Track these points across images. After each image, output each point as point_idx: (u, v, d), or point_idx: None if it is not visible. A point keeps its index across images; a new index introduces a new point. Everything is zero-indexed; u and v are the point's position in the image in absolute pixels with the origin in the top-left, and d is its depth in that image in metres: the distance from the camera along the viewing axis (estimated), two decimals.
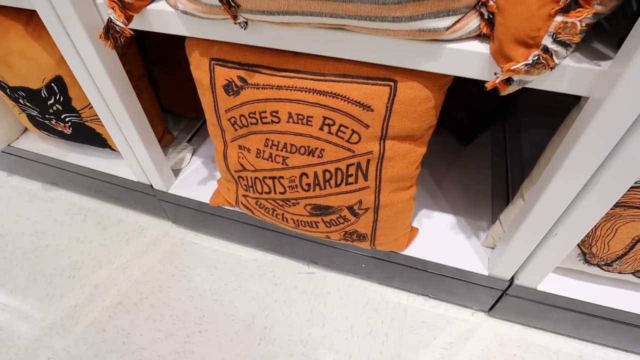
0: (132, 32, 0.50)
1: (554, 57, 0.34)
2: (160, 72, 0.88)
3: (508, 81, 0.37)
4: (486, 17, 0.38)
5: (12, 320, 0.79)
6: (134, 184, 0.85)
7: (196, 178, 0.84)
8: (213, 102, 0.57)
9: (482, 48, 0.40)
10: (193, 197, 0.80)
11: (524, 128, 0.91)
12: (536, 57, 0.34)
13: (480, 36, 0.40)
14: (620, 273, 0.59)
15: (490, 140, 0.90)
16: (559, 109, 0.96)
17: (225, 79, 0.54)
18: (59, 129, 0.82)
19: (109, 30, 0.49)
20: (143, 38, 0.83)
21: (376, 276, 0.80)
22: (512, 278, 0.64)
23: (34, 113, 0.81)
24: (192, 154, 0.88)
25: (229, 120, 0.57)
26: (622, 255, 0.55)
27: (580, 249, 0.57)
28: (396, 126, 0.49)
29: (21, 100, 0.78)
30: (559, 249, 0.54)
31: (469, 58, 0.40)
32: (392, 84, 0.47)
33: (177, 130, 0.94)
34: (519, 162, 0.83)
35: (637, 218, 0.50)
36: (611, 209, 0.49)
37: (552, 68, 0.35)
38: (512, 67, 0.34)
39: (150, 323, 0.78)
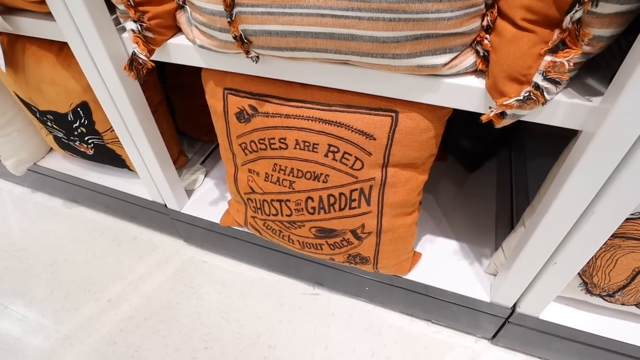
0: (153, 64, 0.54)
1: (545, 93, 0.36)
2: (177, 97, 0.92)
3: (502, 115, 0.39)
4: (482, 54, 0.40)
5: (29, 330, 0.82)
6: (149, 202, 0.88)
7: (208, 199, 0.87)
8: (226, 128, 0.60)
9: (478, 83, 0.42)
10: (204, 217, 0.83)
11: (530, 155, 0.92)
12: (527, 93, 0.36)
13: (476, 71, 0.43)
14: (623, 305, 0.58)
15: (496, 168, 0.91)
16: (565, 138, 0.98)
17: (238, 107, 0.57)
18: (82, 149, 0.87)
19: (133, 62, 0.53)
20: (162, 66, 0.88)
21: (380, 299, 0.80)
22: (515, 306, 0.64)
23: (60, 135, 0.86)
24: (205, 176, 0.92)
25: (240, 145, 0.60)
26: (624, 287, 0.55)
27: (582, 278, 0.57)
28: (397, 154, 0.52)
29: (49, 123, 0.83)
30: (559, 278, 0.54)
31: (465, 92, 0.43)
32: (393, 114, 0.49)
33: (191, 153, 0.98)
34: (524, 190, 0.84)
35: (636, 249, 0.50)
36: (610, 239, 0.50)
37: (543, 103, 0.37)
38: (505, 102, 0.37)
39: (159, 338, 0.79)
